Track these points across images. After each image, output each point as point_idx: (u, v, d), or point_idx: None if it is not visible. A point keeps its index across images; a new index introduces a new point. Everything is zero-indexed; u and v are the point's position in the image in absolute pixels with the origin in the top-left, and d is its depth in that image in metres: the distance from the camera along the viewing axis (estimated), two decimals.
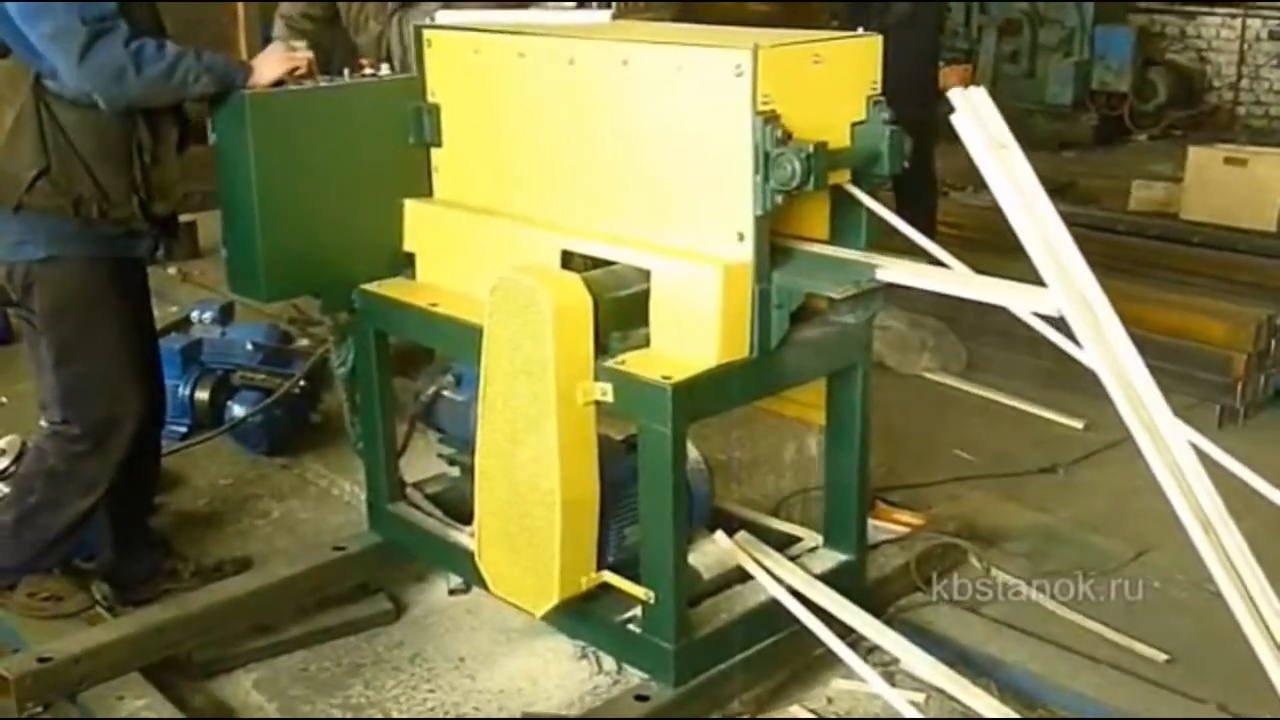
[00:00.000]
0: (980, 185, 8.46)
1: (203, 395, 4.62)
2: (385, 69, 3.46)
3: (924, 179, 6.54)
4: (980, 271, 2.87)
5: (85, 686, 3.05)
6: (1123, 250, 6.62)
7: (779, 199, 2.71)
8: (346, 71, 3.37)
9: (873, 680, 2.97)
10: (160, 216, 3.31)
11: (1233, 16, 10.87)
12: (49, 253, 3.18)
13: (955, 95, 2.60)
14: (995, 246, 6.79)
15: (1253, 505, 2.57)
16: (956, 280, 2.83)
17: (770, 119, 2.67)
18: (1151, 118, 10.63)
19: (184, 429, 4.61)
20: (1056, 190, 8.31)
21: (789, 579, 3.14)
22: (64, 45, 2.99)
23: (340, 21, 4.48)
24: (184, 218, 6.75)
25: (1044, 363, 4.19)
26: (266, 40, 3.59)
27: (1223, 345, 4.96)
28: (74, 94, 3.08)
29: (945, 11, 9.79)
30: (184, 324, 5.29)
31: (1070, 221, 7.91)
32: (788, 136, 2.68)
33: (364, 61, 3.53)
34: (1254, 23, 10.76)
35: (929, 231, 6.76)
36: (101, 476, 3.33)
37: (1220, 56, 11.03)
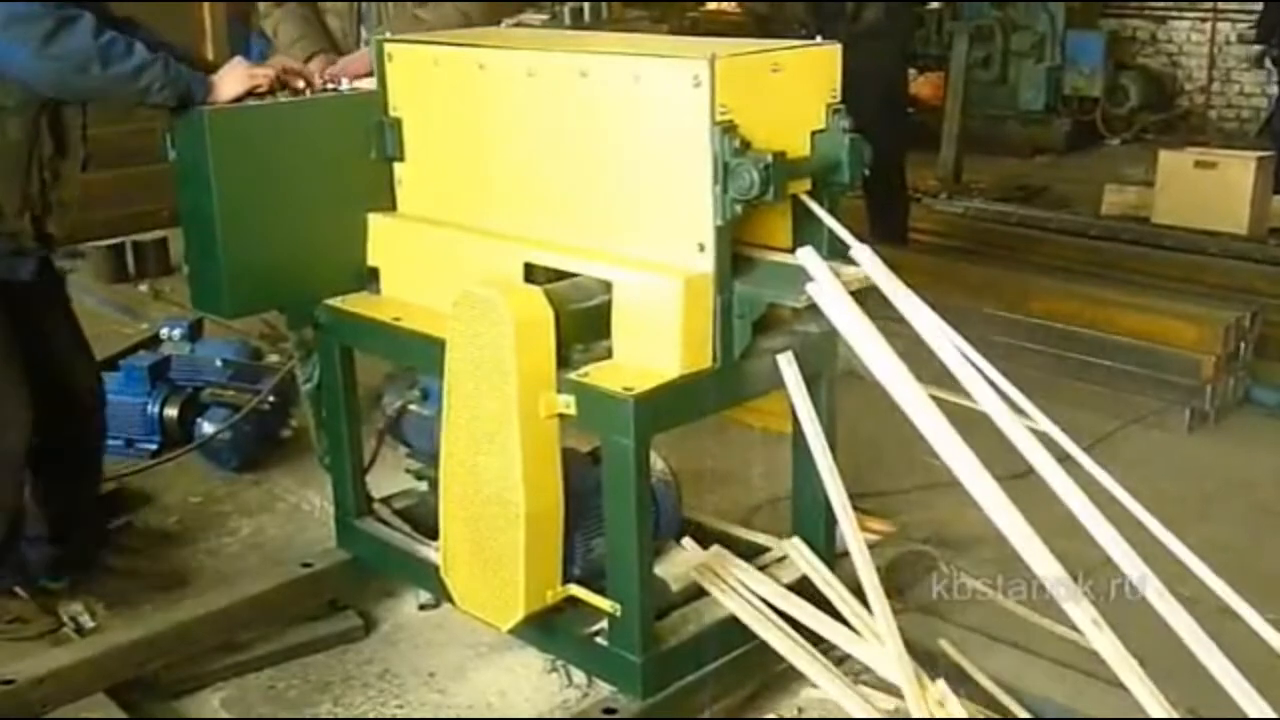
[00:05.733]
0: (954, 193, 8.52)
1: (171, 413, 4.61)
2: (346, 84, 3.45)
3: (895, 186, 6.56)
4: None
5: (49, 709, 3.02)
6: (1095, 254, 6.67)
7: (739, 209, 2.70)
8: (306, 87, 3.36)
9: (838, 691, 2.95)
10: (53, 237, 3.26)
11: (1202, 20, 10.92)
12: None
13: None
14: (968, 251, 6.84)
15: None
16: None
17: (729, 129, 2.66)
18: (1123, 122, 10.68)
19: (153, 446, 4.60)
20: (1030, 196, 8.40)
21: (759, 589, 3.13)
22: (26, 29, 2.94)
23: None
24: (156, 234, 6.88)
25: (1014, 368, 4.20)
26: (233, 52, 3.57)
27: (1193, 348, 4.98)
28: None
29: (920, 19, 9.82)
30: (153, 341, 5.27)
31: (1043, 226, 8.01)
32: (746, 146, 2.67)
33: (326, 76, 3.51)
34: (1224, 26, 10.81)
35: (901, 238, 6.83)
36: None
37: (1191, 60, 11.09)
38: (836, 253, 2.92)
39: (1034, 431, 2.71)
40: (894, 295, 2.80)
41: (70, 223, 3.32)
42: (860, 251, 2.84)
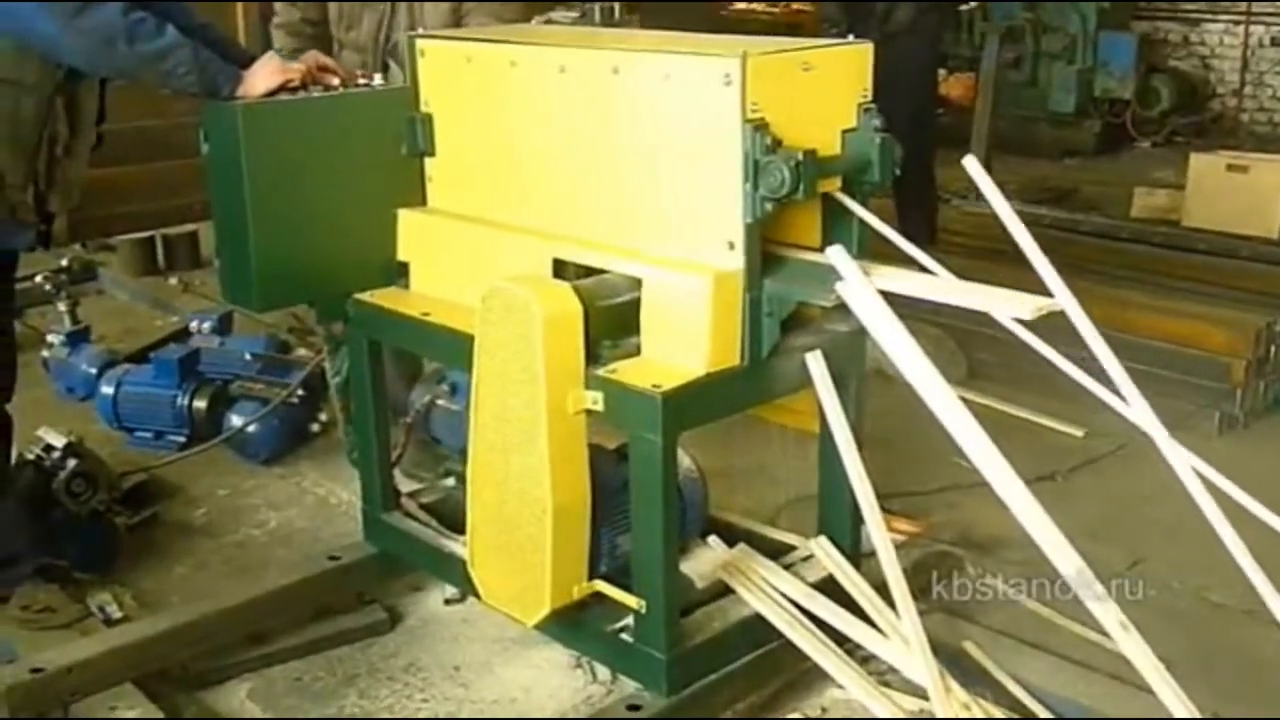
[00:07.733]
0: (983, 194, 8.48)
1: (200, 405, 4.62)
2: (379, 79, 3.46)
3: (924, 186, 6.54)
4: (970, 278, 2.86)
5: (77, 698, 3.04)
6: (1124, 257, 6.64)
7: (769, 207, 2.70)
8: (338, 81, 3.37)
9: (862, 691, 2.95)
10: (53, 214, 3.28)
11: (1235, 23, 10.84)
12: None
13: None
14: (996, 253, 6.81)
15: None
16: (942, 286, 2.82)
17: (759, 127, 2.66)
18: (1155, 125, 10.61)
19: (182, 439, 4.62)
20: (1059, 198, 8.36)
21: (784, 588, 3.13)
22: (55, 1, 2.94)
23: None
24: (187, 227, 6.92)
25: (1044, 371, 4.19)
26: (265, 51, 3.59)
27: (1223, 352, 4.96)
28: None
29: (958, 19, 9.75)
30: (182, 334, 5.30)
31: (1072, 228, 7.96)
32: (777, 144, 2.67)
33: (358, 73, 3.53)
34: (1257, 29, 10.74)
35: (930, 239, 6.80)
36: None
37: (1223, 63, 11.01)
38: (866, 251, 2.93)
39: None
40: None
41: (72, 202, 3.34)
42: (971, 163, 2.88)
